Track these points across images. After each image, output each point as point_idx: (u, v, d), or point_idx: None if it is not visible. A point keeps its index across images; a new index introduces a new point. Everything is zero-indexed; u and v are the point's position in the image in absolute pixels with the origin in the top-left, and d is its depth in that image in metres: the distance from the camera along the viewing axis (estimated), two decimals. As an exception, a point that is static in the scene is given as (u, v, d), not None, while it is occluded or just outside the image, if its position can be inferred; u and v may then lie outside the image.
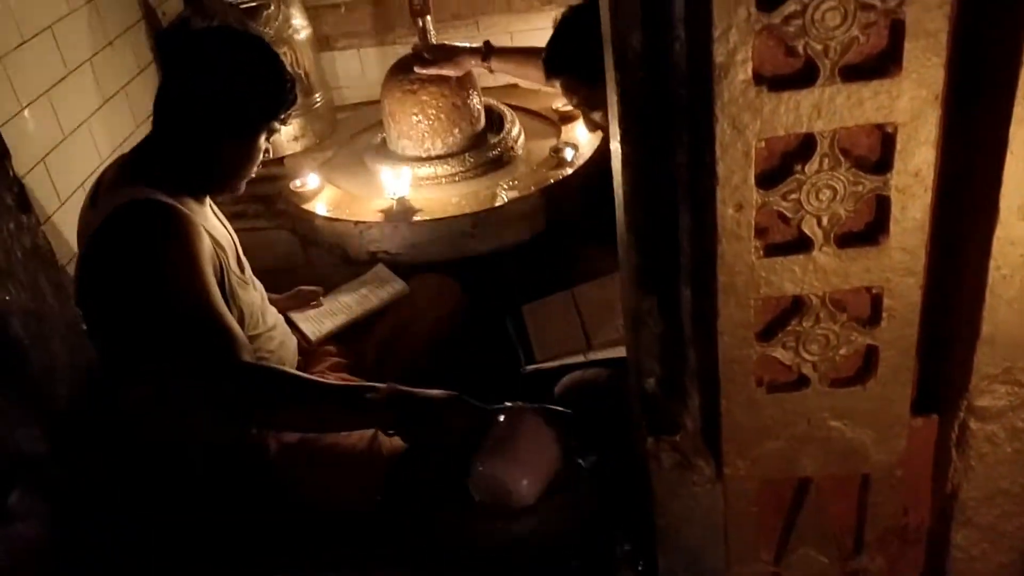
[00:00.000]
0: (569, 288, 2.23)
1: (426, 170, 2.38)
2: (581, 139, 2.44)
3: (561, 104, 2.54)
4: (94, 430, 1.35)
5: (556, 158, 2.35)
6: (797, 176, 0.94)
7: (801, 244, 0.99)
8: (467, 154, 2.39)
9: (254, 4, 2.52)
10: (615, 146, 1.08)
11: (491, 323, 2.24)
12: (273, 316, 1.93)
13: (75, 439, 1.32)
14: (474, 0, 2.77)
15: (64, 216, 2.13)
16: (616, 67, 0.96)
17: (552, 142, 2.51)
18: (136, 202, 1.61)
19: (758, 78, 0.89)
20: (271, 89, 1.69)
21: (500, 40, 2.81)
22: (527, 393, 1.96)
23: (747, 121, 0.91)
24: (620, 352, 1.99)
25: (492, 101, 2.55)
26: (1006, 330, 1.00)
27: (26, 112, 2.05)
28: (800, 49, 0.88)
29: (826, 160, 0.93)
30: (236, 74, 1.66)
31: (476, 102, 2.43)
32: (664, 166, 1.00)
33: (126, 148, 2.35)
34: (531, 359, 2.11)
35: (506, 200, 2.23)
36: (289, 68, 2.23)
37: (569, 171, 2.32)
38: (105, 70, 2.39)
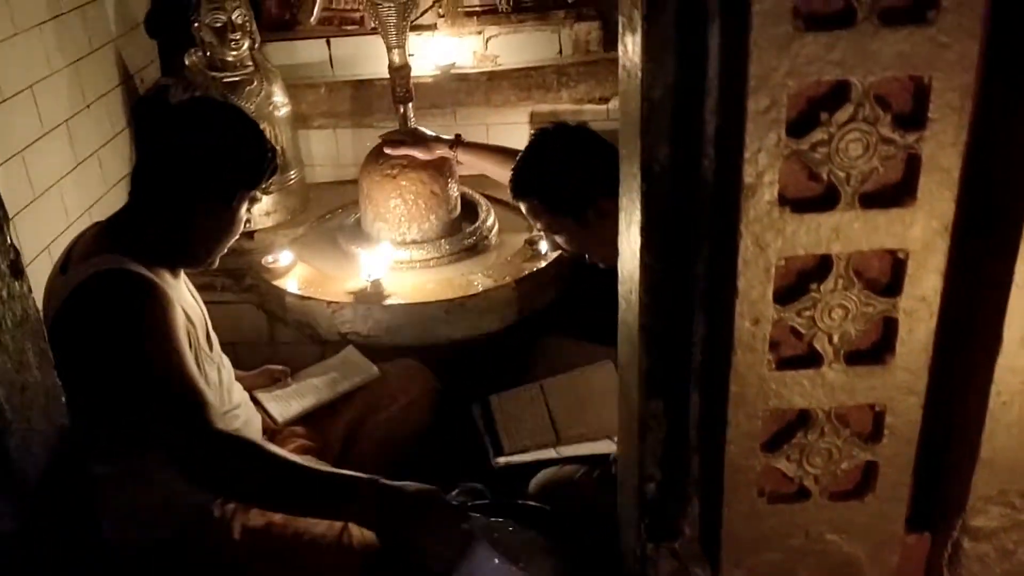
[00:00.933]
0: (538, 380, 2.24)
1: (401, 254, 2.39)
2: (555, 232, 2.48)
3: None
4: (64, 508, 1.29)
5: (531, 250, 2.39)
6: (813, 294, 0.97)
7: (811, 359, 1.01)
8: (443, 240, 2.41)
9: (236, 78, 2.54)
10: (628, 251, 1.11)
11: (459, 411, 2.24)
12: (239, 394, 1.89)
13: (45, 517, 1.26)
14: (453, 91, 2.82)
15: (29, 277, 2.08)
16: (643, 179, 0.99)
17: (524, 234, 2.55)
18: (111, 271, 1.58)
19: (782, 199, 0.93)
20: (252, 157, 1.68)
21: (475, 131, 2.88)
22: (498, 486, 1.95)
23: (769, 240, 0.94)
24: (592, 448, 2.01)
25: (468, 190, 2.59)
26: (1004, 454, 1.03)
27: (-1, 170, 2.02)
28: (824, 175, 0.92)
29: (840, 281, 0.97)
30: (217, 142, 1.65)
31: (453, 190, 2.46)
32: (681, 275, 1.03)
33: (96, 211, 2.33)
34: (499, 450, 2.11)
35: (481, 288, 2.25)
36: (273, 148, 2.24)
37: (543, 264, 2.35)
38: (80, 133, 2.37)
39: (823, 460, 1.08)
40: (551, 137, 1.87)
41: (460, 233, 2.47)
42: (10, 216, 2.04)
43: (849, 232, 0.94)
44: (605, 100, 2.84)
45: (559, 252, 1.87)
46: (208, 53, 2.51)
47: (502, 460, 1.98)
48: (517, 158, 1.89)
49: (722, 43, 0.89)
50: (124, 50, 2.62)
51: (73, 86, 2.34)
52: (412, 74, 2.44)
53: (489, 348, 2.32)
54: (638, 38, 0.94)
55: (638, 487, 1.21)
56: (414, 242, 2.42)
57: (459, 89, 2.83)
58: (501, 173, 2.30)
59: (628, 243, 1.11)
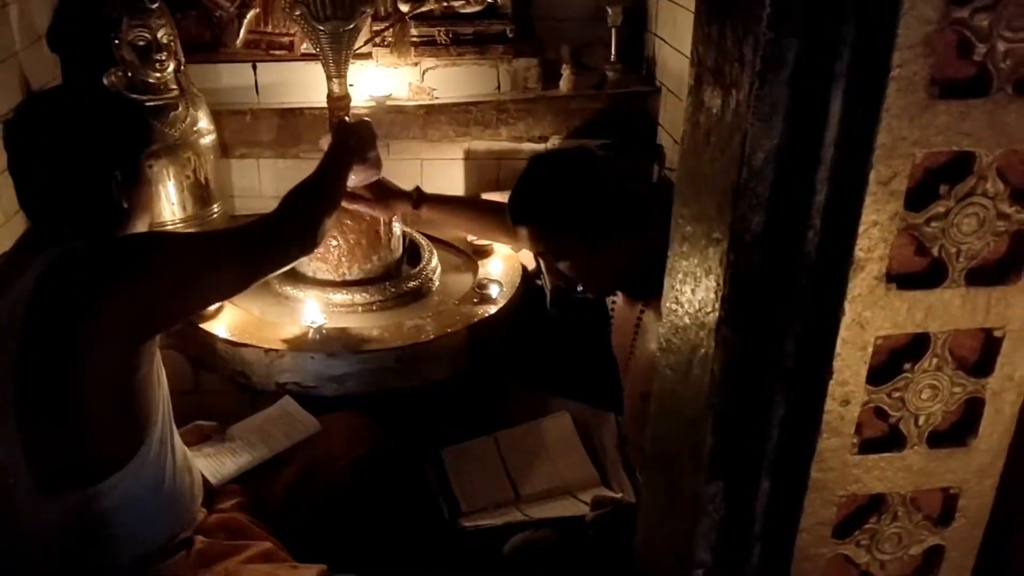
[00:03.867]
0: (491, 433, 2.13)
1: (341, 296, 2.24)
2: (502, 275, 2.38)
3: (475, 238, 2.48)
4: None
5: (479, 294, 2.28)
6: (906, 375, 0.92)
7: (895, 442, 0.96)
8: (386, 283, 2.27)
9: (160, 102, 2.33)
10: (689, 319, 1.03)
11: (408, 465, 2.10)
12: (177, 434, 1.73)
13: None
14: (388, 123, 2.69)
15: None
16: (730, 247, 0.91)
17: (468, 276, 2.44)
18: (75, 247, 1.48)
19: (888, 275, 0.87)
20: (133, 119, 1.65)
21: (409, 166, 2.77)
22: (464, 551, 1.83)
23: (870, 318, 0.88)
24: (561, 509, 1.91)
25: (408, 230, 2.46)
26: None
27: None
28: (935, 250, 0.86)
29: (935, 360, 0.92)
30: (100, 119, 1.55)
31: (397, 230, 2.33)
32: (765, 352, 0.95)
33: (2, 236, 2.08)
34: (454, 507, 1.99)
35: (432, 335, 2.12)
36: (191, 175, 2.11)
37: (494, 309, 2.24)
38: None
39: (892, 545, 1.02)
40: (551, 159, 1.77)
41: (402, 276, 2.34)
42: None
43: (950, 309, 0.89)
44: (544, 139, 2.78)
45: (556, 285, 1.75)
46: (129, 73, 2.30)
47: (469, 523, 1.85)
48: (516, 180, 1.76)
49: (845, 108, 0.82)
50: (26, 64, 2.37)
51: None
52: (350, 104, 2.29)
53: (438, 399, 2.19)
54: (740, 96, 0.86)
55: (678, 570, 1.12)
56: (354, 283, 2.27)
57: (395, 122, 2.70)
58: (470, 226, 2.20)
59: (690, 311, 1.03)
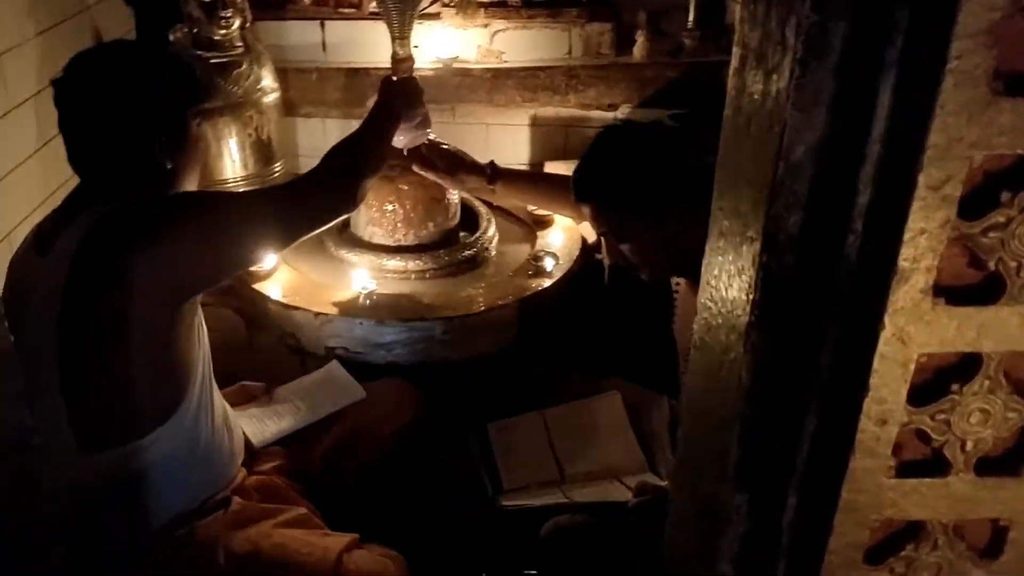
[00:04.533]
0: (539, 409, 2.09)
1: (395, 263, 2.21)
2: (559, 248, 2.32)
3: (536, 208, 2.42)
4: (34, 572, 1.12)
5: (534, 266, 2.22)
6: (952, 397, 0.83)
7: (937, 467, 0.88)
8: (441, 251, 2.24)
9: (224, 59, 2.32)
10: (721, 319, 0.96)
11: (452, 438, 2.08)
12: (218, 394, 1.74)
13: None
14: (454, 86, 2.64)
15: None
16: (764, 247, 0.84)
17: (525, 247, 2.39)
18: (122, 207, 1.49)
19: (936, 288, 0.78)
20: (181, 77, 1.58)
21: (474, 130, 2.71)
22: (501, 530, 1.81)
23: (914, 333, 0.80)
24: (602, 493, 1.86)
25: (468, 196, 2.41)
26: None
27: (-42, 149, 1.80)
28: (991, 263, 0.78)
29: (987, 383, 0.83)
30: (142, 77, 1.52)
31: (454, 196, 2.29)
32: (798, 362, 0.87)
33: (61, 196, 2.11)
34: (496, 483, 1.96)
35: (483, 307, 2.08)
36: (254, 132, 2.08)
37: (549, 282, 2.18)
38: (49, 108, 2.13)
39: (931, 575, 0.94)
40: (619, 135, 1.69)
41: (458, 244, 2.30)
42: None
43: (1007, 329, 0.80)
44: (614, 107, 2.69)
45: (615, 263, 1.68)
46: (195, 30, 2.29)
47: (508, 502, 1.82)
48: (581, 156, 1.69)
49: (894, 102, 0.73)
50: (100, 19, 2.39)
51: (44, 56, 2.11)
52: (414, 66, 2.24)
53: (486, 372, 2.15)
54: (781, 84, 0.78)
55: (700, 581, 1.07)
56: (408, 249, 2.24)
57: (461, 85, 2.65)
58: (546, 204, 2.14)
59: (723, 310, 0.96)
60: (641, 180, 1.56)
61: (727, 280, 0.94)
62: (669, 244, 1.57)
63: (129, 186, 1.52)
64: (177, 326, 1.50)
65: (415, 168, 2.13)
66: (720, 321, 0.97)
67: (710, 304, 1.01)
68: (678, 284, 1.77)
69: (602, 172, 1.61)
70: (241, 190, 1.72)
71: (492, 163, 2.15)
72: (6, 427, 1.03)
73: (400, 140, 2.10)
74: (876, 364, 0.81)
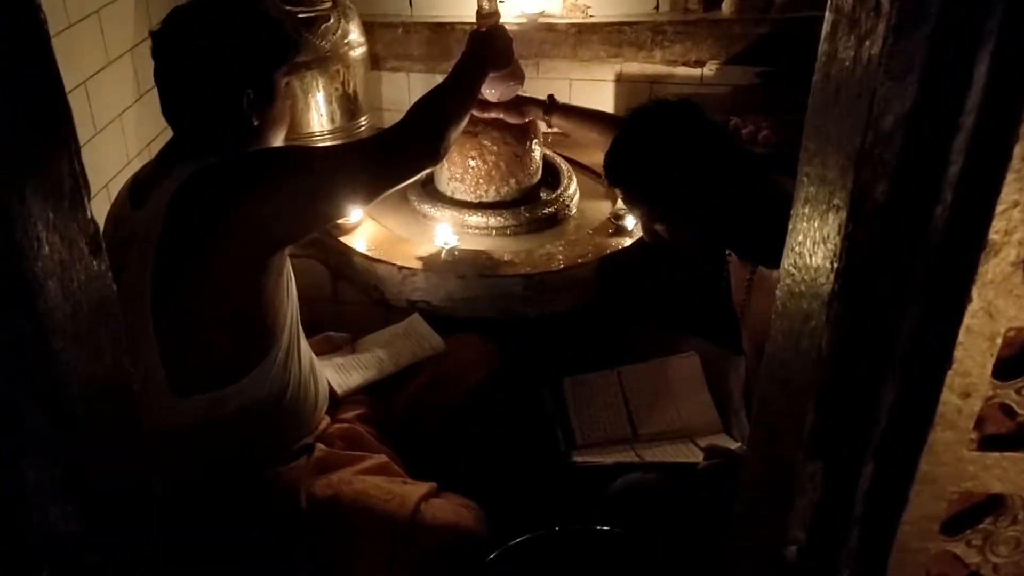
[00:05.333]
0: (614, 367, 2.10)
1: (476, 219, 2.24)
2: (641, 207, 2.31)
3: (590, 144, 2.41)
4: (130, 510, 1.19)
5: (615, 225, 2.22)
6: (1040, 372, 0.82)
7: (1021, 442, 0.87)
8: (522, 208, 2.25)
9: (312, 14, 2.36)
10: (804, 287, 0.95)
11: (528, 392, 2.11)
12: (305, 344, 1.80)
13: (113, 518, 1.15)
14: (539, 42, 2.63)
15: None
16: (850, 217, 0.83)
17: (607, 204, 2.38)
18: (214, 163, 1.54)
19: (1028, 261, 0.77)
20: (273, 36, 1.61)
21: (558, 86, 2.70)
22: (573, 485, 1.83)
23: (1002, 306, 0.79)
24: (674, 454, 1.88)
25: (549, 152, 2.41)
26: None
27: (62, 103, 1.87)
28: (1087, 237, 0.76)
29: (1077, 358, 0.81)
30: (236, 35, 1.56)
31: (536, 153, 2.29)
32: (879, 333, 0.87)
33: (156, 147, 2.18)
34: (569, 438, 1.99)
35: (562, 265, 2.09)
36: (340, 87, 2.10)
37: (628, 241, 2.18)
38: (145, 62, 2.20)
39: (1008, 549, 0.93)
40: (652, 116, 1.67)
41: (539, 200, 2.30)
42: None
43: (1101, 305, 0.78)
44: (700, 64, 2.64)
45: (655, 241, 1.69)
46: (284, -16, 2.33)
47: (579, 459, 1.85)
48: (613, 138, 1.70)
49: (991, 72, 0.71)
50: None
51: (140, 11, 2.18)
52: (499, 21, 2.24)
53: (564, 328, 2.17)
54: (874, 50, 0.77)
55: (772, 545, 1.07)
56: (490, 206, 2.26)
57: (545, 40, 2.63)
58: (599, 140, 2.13)
59: (806, 278, 0.95)
60: (671, 166, 1.55)
61: (811, 247, 0.94)
62: (701, 224, 1.58)
63: (218, 140, 1.56)
64: (267, 277, 1.55)
65: (475, 113, 2.14)
66: (803, 288, 0.96)
67: (793, 271, 1.00)
68: (730, 254, 1.77)
69: (632, 156, 1.61)
70: (328, 144, 1.74)
71: (551, 96, 2.16)
72: (108, 370, 1.10)
73: (491, 93, 2.11)
74: (961, 337, 0.80)
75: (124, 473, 1.17)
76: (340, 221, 2.20)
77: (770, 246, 1.57)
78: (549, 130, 2.30)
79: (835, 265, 0.86)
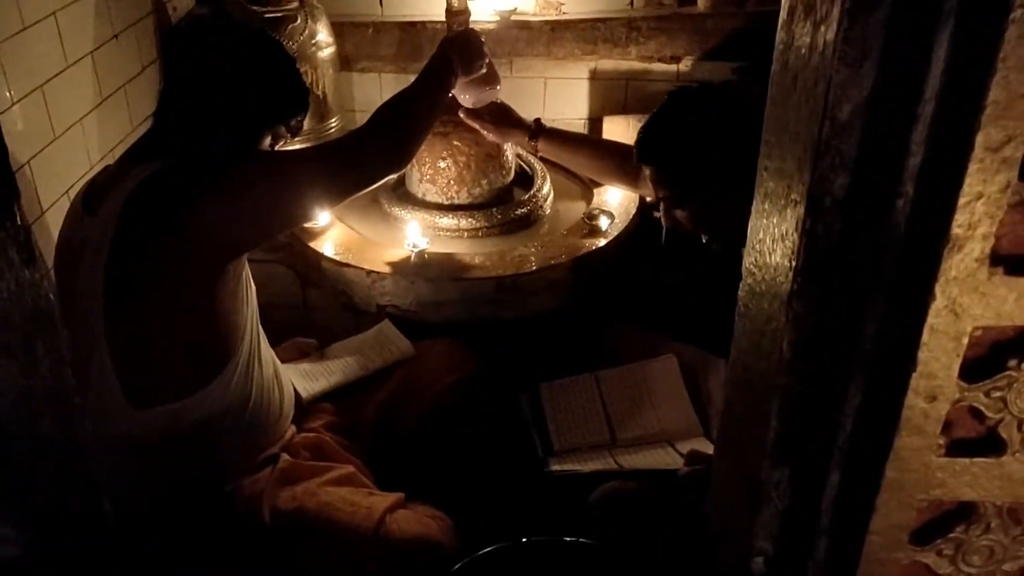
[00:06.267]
0: (592, 371, 2.06)
1: (448, 221, 2.19)
2: (615, 207, 2.27)
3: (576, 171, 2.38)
4: (76, 528, 1.14)
5: (588, 225, 2.18)
6: (1009, 373, 0.78)
7: (991, 446, 0.82)
8: (494, 209, 2.20)
9: (279, 14, 2.31)
10: (765, 286, 0.91)
11: (503, 397, 2.06)
12: (270, 352, 1.75)
13: (56, 540, 1.10)
14: (512, 39, 2.58)
15: (42, 227, 1.90)
16: (808, 212, 0.79)
17: (580, 205, 2.34)
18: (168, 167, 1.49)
19: (994, 257, 0.73)
20: (283, 89, 1.60)
21: (533, 84, 2.65)
22: (549, 495, 1.79)
23: (968, 304, 0.75)
24: (653, 459, 1.83)
25: (523, 153, 2.37)
26: None
27: (16, 108, 1.81)
28: (1056, 231, 0.72)
29: (1049, 358, 0.77)
30: (249, 67, 1.56)
31: (509, 153, 2.25)
32: (841, 334, 0.83)
33: (119, 153, 2.13)
34: (547, 444, 1.94)
35: (535, 267, 2.05)
36: (308, 88, 2.06)
37: (603, 242, 2.14)
38: (106, 65, 2.16)
39: (981, 559, 0.89)
40: (690, 97, 1.63)
41: (512, 201, 2.26)
42: (28, 158, 1.86)
43: (1072, 301, 0.74)
44: (676, 59, 2.60)
45: (673, 226, 1.65)
46: (249, -16, 2.28)
47: (557, 467, 1.80)
48: (649, 116, 1.65)
49: (951, 56, 0.67)
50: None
51: (100, 14, 2.12)
52: (470, 19, 2.19)
53: (539, 331, 2.13)
54: (829, 35, 0.73)
55: (741, 556, 1.03)
56: (462, 207, 2.21)
57: (519, 38, 2.59)
58: (586, 165, 2.10)
59: (766, 277, 0.91)
60: (706, 146, 1.51)
61: (771, 244, 0.90)
62: (729, 210, 1.53)
63: (191, 146, 1.52)
64: (224, 284, 1.50)
65: (460, 114, 2.10)
66: (764, 288, 0.92)
67: (754, 270, 0.96)
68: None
69: (667, 134, 1.56)
70: (292, 147, 1.69)
71: (538, 120, 2.13)
72: (46, 384, 1.05)
73: (467, 98, 2.07)
74: (926, 337, 0.76)
75: (68, 492, 1.12)
76: (308, 225, 2.15)
77: None
78: (535, 156, 2.27)
79: (794, 263, 0.82)
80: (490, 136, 2.15)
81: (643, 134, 1.60)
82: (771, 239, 0.89)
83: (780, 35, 0.86)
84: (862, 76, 0.72)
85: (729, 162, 1.51)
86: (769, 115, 0.90)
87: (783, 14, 0.84)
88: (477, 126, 2.13)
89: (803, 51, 0.79)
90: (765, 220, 0.91)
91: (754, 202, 0.95)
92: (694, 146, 1.53)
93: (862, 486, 0.87)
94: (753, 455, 0.97)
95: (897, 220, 0.75)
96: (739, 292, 1.02)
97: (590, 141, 2.10)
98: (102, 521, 1.23)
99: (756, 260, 0.95)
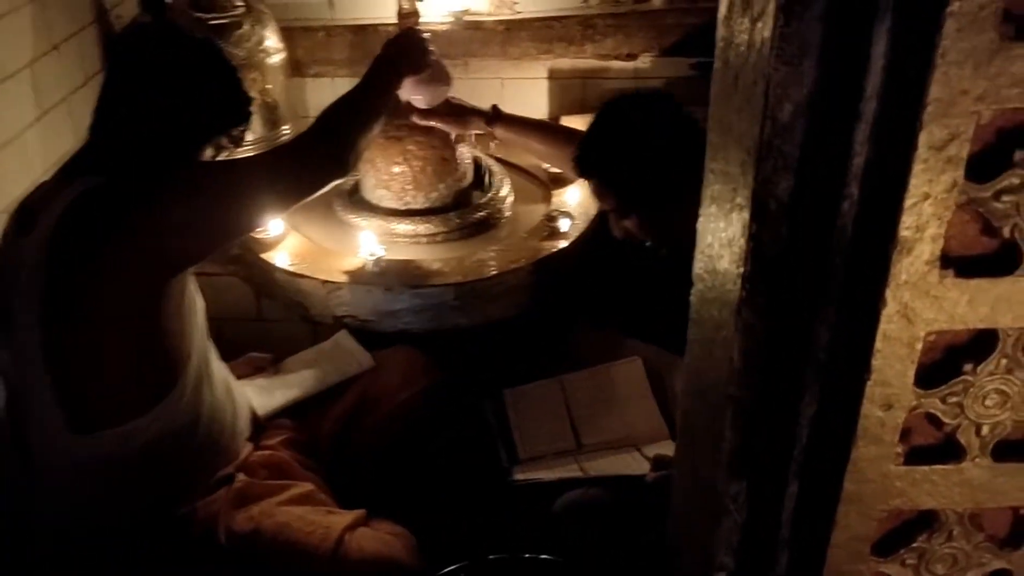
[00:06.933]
0: (556, 375, 2.02)
1: (404, 227, 2.14)
2: (575, 208, 2.24)
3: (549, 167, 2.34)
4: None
5: (549, 227, 2.14)
6: (966, 377, 0.75)
7: (950, 453, 0.80)
8: (452, 213, 2.16)
9: (225, 20, 2.25)
10: (715, 294, 0.88)
11: (465, 406, 2.02)
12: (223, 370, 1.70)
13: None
14: (466, 40, 2.54)
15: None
16: (753, 217, 0.76)
17: (541, 207, 2.30)
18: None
19: (944, 260, 0.70)
20: (225, 99, 1.56)
21: (489, 85, 2.61)
22: (514, 505, 1.75)
23: (920, 309, 0.72)
24: (619, 465, 1.80)
25: (480, 154, 2.33)
26: None
27: (-51, 124, 1.75)
28: (1005, 231, 0.69)
29: (1004, 361, 0.75)
30: (189, 76, 1.52)
31: (466, 156, 2.20)
32: (792, 342, 0.79)
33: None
34: (512, 451, 1.91)
35: (495, 271, 2.01)
36: (258, 95, 2.01)
37: (564, 244, 2.10)
38: (46, 78, 2.09)
39: (945, 567, 0.87)
40: (626, 107, 1.61)
41: (470, 205, 2.22)
42: (-38, 175, 1.79)
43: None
44: (633, 57, 2.57)
45: (624, 237, 1.63)
46: (194, -10, 2.22)
47: (521, 476, 1.77)
48: (587, 127, 1.64)
49: (891, 51, 0.64)
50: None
51: (38, 24, 2.05)
52: (421, 20, 2.15)
53: (501, 337, 2.09)
54: (766, 32, 0.69)
55: (702, 571, 1.00)
56: (418, 212, 2.17)
57: (472, 39, 2.54)
58: (544, 151, 2.06)
59: (715, 284, 0.88)
60: (645, 156, 1.49)
61: (718, 250, 0.87)
62: (674, 218, 1.51)
63: (129, 159, 1.47)
64: (167, 301, 1.45)
65: (414, 119, 2.06)
66: (714, 295, 0.89)
67: (704, 275, 0.93)
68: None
69: (604, 147, 1.54)
70: (233, 156, 1.63)
71: (495, 107, 2.08)
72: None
73: (419, 99, 2.02)
74: (879, 344, 0.73)
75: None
76: (260, 235, 2.09)
77: None
78: (493, 142, 2.22)
79: (741, 269, 0.79)
80: (450, 129, 2.11)
81: (581, 148, 1.58)
82: (719, 244, 0.86)
83: (720, 31, 0.82)
84: (802, 74, 0.69)
85: (671, 168, 1.49)
86: (712, 115, 0.87)
87: (722, 9, 0.81)
88: (435, 124, 2.08)
89: (742, 48, 0.76)
90: (712, 224, 0.88)
91: (701, 206, 0.92)
92: (633, 155, 1.52)
93: (821, 498, 0.84)
94: (710, 467, 0.94)
95: (844, 223, 0.72)
96: (691, 298, 0.99)
97: (546, 126, 2.06)
98: (34, 557, 1.19)
99: (705, 266, 0.92)
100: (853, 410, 0.77)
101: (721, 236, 0.85)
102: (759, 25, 0.71)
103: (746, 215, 0.77)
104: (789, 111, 0.71)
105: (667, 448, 1.83)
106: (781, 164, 0.73)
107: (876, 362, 0.74)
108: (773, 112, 0.71)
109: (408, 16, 2.12)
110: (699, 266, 0.94)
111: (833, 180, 0.71)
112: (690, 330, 1.00)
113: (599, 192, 1.62)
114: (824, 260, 0.74)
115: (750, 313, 0.80)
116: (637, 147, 1.52)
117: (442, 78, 2.00)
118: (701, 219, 0.92)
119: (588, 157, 1.57)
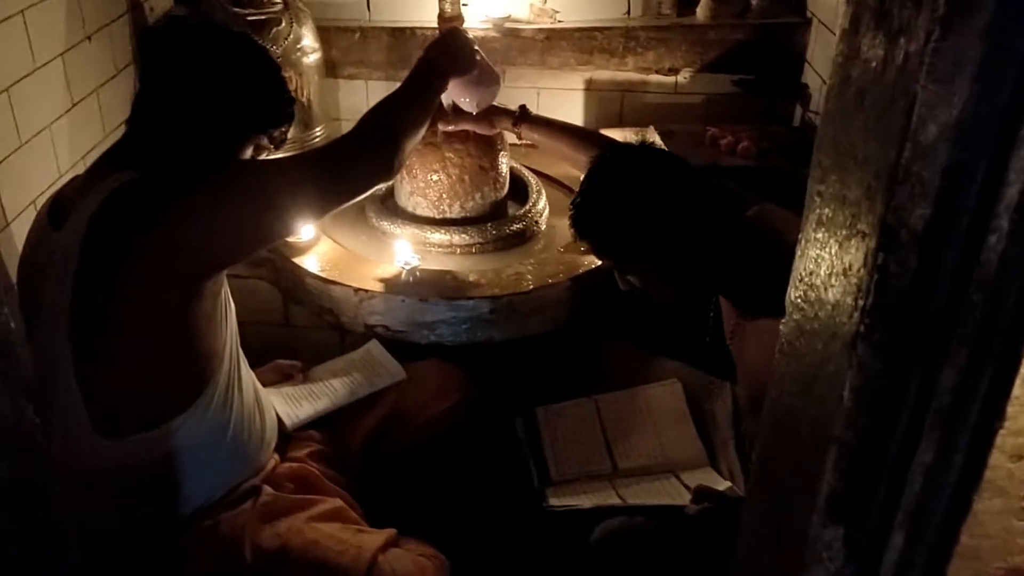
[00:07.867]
0: (591, 394, 1.96)
1: (439, 236, 2.09)
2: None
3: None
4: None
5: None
6: (1106, 430, 0.69)
7: (1079, 510, 0.74)
8: (488, 224, 2.10)
9: (263, 17, 2.20)
10: (804, 319, 0.82)
11: (498, 423, 1.96)
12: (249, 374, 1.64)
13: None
14: (505, 48, 2.49)
15: (7, 240, 1.78)
16: (880, 246, 0.69)
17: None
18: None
19: (1098, 301, 0.64)
20: (267, 97, 1.50)
21: (526, 94, 2.57)
22: (548, 532, 1.69)
23: (1066, 354, 0.66)
24: (658, 492, 1.74)
25: (517, 165, 2.27)
26: None
27: (-21, 112, 1.70)
28: None
29: None
30: (231, 72, 1.46)
31: (504, 166, 2.15)
32: (914, 384, 0.73)
33: (90, 161, 2.01)
34: (543, 471, 1.84)
35: (532, 286, 1.95)
36: (293, 93, 1.96)
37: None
38: (78, 69, 2.05)
39: (1059, 629, 0.81)
40: (615, 165, 1.54)
41: (507, 216, 2.16)
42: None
43: None
44: (675, 71, 2.52)
45: (629, 291, 1.58)
46: (232, -14, 2.18)
47: (556, 503, 1.70)
48: (578, 192, 1.57)
49: (1064, 70, 0.58)
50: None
51: (72, 14, 2.01)
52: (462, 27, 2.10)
53: (534, 353, 2.03)
54: (912, 48, 0.64)
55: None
56: (454, 222, 2.11)
57: (512, 47, 2.50)
58: (570, 155, 1.99)
59: (821, 314, 0.82)
60: (638, 218, 1.44)
61: (826, 278, 0.80)
62: (675, 274, 1.47)
63: (165, 155, 1.41)
64: (200, 304, 1.39)
65: (440, 124, 2.00)
66: (817, 326, 0.83)
67: (803, 305, 0.87)
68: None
69: (596, 210, 1.49)
70: (271, 157, 1.58)
71: (522, 106, 2.02)
72: (5, 424, 0.94)
73: (466, 102, 1.96)
74: (1017, 390, 0.67)
75: (32, 543, 1.01)
76: (291, 239, 2.04)
77: (753, 291, 1.45)
78: (519, 142, 2.16)
79: (861, 302, 0.73)
80: (477, 127, 2.04)
81: (574, 212, 1.52)
82: (827, 272, 0.80)
83: (840, 46, 0.76)
84: (953, 93, 0.63)
85: (669, 227, 1.44)
86: (824, 135, 0.81)
87: (845, 22, 0.75)
88: (463, 126, 2.02)
89: (874, 64, 0.70)
90: (819, 251, 0.81)
91: (803, 228, 0.86)
92: (627, 217, 1.46)
93: (931, 551, 0.77)
94: (797, 508, 0.88)
95: (988, 258, 0.66)
96: (781, 327, 0.92)
97: (576, 130, 2.00)
98: (69, 574, 1.12)
99: (805, 295, 0.85)
100: (980, 460, 0.71)
101: (832, 263, 0.79)
102: (902, 39, 0.65)
103: (871, 243, 0.71)
104: (934, 133, 0.64)
105: (707, 476, 1.77)
106: (919, 191, 0.67)
107: (1012, 409, 0.68)
108: (915, 134, 0.65)
109: (451, 20, 2.07)
110: (796, 294, 0.88)
111: (979, 210, 0.65)
112: (778, 362, 0.93)
113: (598, 252, 1.57)
114: (959, 297, 0.68)
115: (867, 349, 0.74)
116: (629, 209, 1.46)
117: (490, 78, 1.94)
118: (803, 241, 0.86)
119: (581, 221, 1.52)
